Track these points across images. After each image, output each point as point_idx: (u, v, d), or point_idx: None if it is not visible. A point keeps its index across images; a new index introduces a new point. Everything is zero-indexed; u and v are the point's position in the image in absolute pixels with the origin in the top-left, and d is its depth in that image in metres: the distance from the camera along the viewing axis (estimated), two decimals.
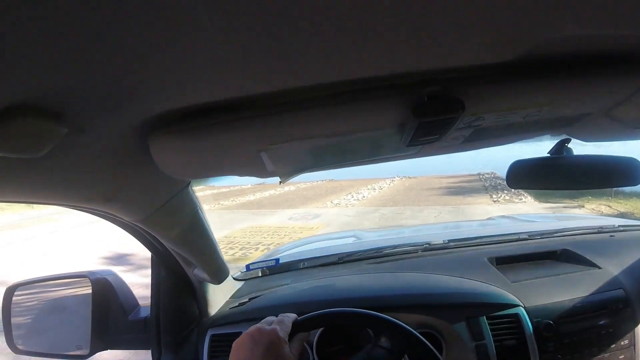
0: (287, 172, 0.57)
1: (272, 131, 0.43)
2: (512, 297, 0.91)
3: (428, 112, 0.41)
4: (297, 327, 0.65)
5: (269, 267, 1.14)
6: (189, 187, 0.70)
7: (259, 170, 0.57)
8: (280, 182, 0.61)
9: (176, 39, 0.24)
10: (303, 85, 0.36)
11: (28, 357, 1.04)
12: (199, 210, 0.75)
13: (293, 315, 0.67)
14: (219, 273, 0.85)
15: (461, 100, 0.41)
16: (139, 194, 0.60)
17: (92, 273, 0.94)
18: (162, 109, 0.38)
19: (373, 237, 1.68)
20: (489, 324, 0.88)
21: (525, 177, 0.91)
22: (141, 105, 0.36)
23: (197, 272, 0.87)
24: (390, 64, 0.34)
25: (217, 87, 0.34)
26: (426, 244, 1.20)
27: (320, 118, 0.43)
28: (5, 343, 0.99)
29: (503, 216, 2.36)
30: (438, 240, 1.22)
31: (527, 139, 0.75)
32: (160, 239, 0.74)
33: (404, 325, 0.71)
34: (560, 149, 0.93)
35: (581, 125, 0.68)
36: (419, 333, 0.68)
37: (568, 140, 0.91)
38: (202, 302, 0.96)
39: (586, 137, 0.87)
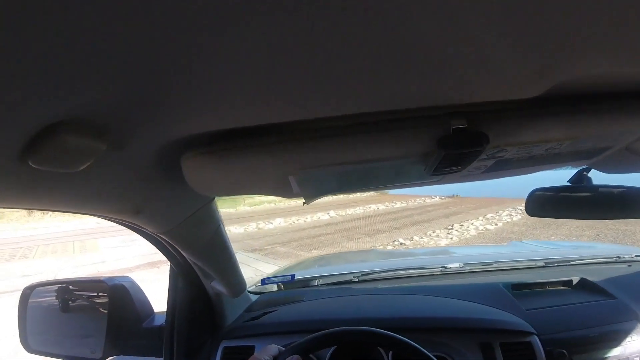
0: (311, 194, 0.58)
1: (301, 157, 0.44)
2: (526, 325, 0.91)
3: (453, 145, 0.42)
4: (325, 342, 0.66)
5: (284, 282, 1.14)
6: (213, 202, 0.72)
7: (284, 191, 0.58)
8: (304, 204, 0.62)
9: (214, 66, 0.25)
10: (334, 114, 0.37)
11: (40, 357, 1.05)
12: (221, 225, 0.76)
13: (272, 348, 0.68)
14: (236, 286, 0.86)
15: (485, 134, 0.42)
16: (165, 206, 0.61)
17: (110, 279, 0.96)
18: (196, 129, 0.39)
19: (389, 257, 1.67)
20: (502, 350, 0.87)
21: (544, 205, 0.91)
22: (177, 125, 0.37)
23: (214, 285, 0.87)
24: (418, 97, 0.35)
25: (250, 113, 0.36)
26: (442, 267, 1.20)
27: (350, 146, 0.44)
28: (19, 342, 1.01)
29: (520, 242, 2.34)
30: (454, 263, 1.21)
31: (547, 169, 0.76)
32: (182, 251, 0.75)
33: (421, 348, 0.72)
34: (580, 178, 0.93)
35: (601, 157, 0.68)
36: (434, 356, 0.68)
37: (588, 170, 0.91)
38: (216, 313, 0.96)
39: (606, 169, 0.87)
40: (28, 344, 1.02)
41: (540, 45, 0.26)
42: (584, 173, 0.92)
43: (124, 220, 0.64)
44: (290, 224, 11.12)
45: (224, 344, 0.94)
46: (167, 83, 0.26)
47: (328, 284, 1.18)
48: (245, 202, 16.31)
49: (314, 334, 0.75)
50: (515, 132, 0.44)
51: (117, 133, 0.34)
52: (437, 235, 8.04)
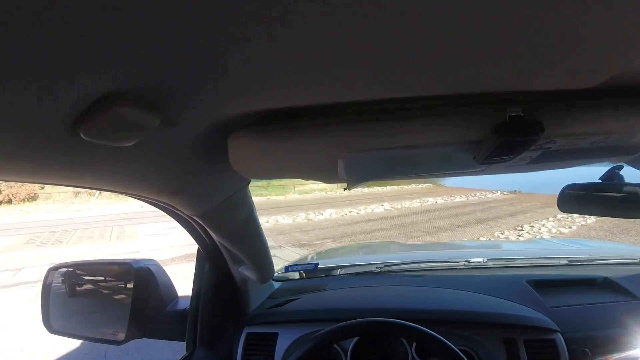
0: (356, 179, 0.58)
1: (353, 139, 0.44)
2: (550, 322, 0.90)
3: (510, 132, 0.42)
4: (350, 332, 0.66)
5: (307, 271, 1.14)
6: (247, 187, 0.72)
7: (329, 176, 0.57)
8: (344, 189, 0.62)
9: (268, 44, 0.24)
10: (386, 96, 0.37)
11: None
12: (254, 210, 0.76)
13: None
14: (266, 273, 0.86)
15: (541, 123, 0.41)
16: (203, 189, 0.61)
17: (135, 261, 0.96)
18: (245, 108, 0.39)
19: (411, 249, 1.67)
20: (526, 347, 0.87)
21: (575, 201, 0.91)
22: (227, 104, 0.37)
23: (242, 270, 0.88)
24: (475, 83, 0.35)
25: (302, 92, 0.35)
26: (465, 261, 1.19)
27: (402, 130, 0.43)
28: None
29: (543, 239, 2.33)
30: (478, 258, 1.21)
31: (587, 164, 0.75)
32: (214, 235, 0.75)
33: (445, 341, 0.72)
34: (612, 175, 0.92)
35: None
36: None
37: (620, 167, 0.90)
38: (241, 299, 0.97)
39: None
40: (50, 325, 1.02)
41: (600, 37, 0.26)
42: (616, 171, 0.91)
43: (160, 202, 0.64)
44: (342, 215, 10.30)
45: (247, 329, 0.95)
46: (220, 61, 0.26)
47: (351, 274, 1.18)
48: (296, 189, 15.96)
49: (339, 324, 0.75)
50: (569, 122, 0.44)
51: (169, 109, 0.33)
52: (507, 237, 7.28)
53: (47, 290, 1.03)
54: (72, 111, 0.28)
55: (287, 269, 1.12)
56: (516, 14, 0.22)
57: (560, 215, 8.84)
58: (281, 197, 14.50)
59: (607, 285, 1.08)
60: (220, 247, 0.83)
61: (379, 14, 0.21)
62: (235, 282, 0.94)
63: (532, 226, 8.21)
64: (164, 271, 0.98)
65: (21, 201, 14.98)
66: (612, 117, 0.45)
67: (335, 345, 0.87)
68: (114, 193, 0.61)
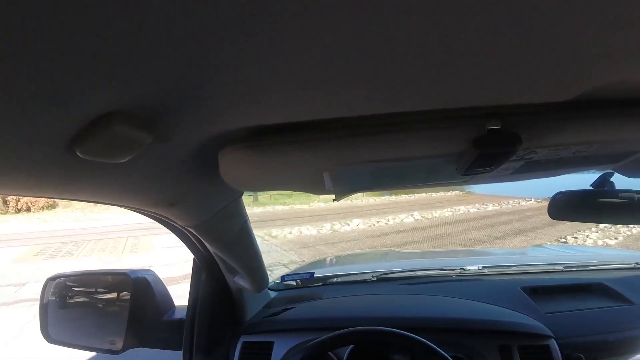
0: (343, 190, 0.59)
1: (339, 153, 0.45)
2: (544, 328, 0.91)
3: (487, 145, 0.43)
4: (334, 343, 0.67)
5: (303, 280, 1.15)
6: (241, 198, 0.73)
7: (317, 187, 0.59)
8: (333, 200, 0.63)
9: (259, 65, 0.25)
10: (372, 112, 0.38)
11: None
12: (247, 220, 0.77)
13: None
14: (260, 282, 0.87)
15: (519, 135, 0.42)
16: (197, 200, 0.62)
17: (132, 271, 0.97)
18: (236, 124, 0.40)
19: (407, 257, 1.67)
20: (520, 353, 0.87)
21: (567, 208, 0.91)
22: (218, 120, 0.38)
23: (237, 280, 0.88)
24: (456, 98, 0.36)
25: (291, 109, 0.36)
26: (460, 268, 1.20)
27: (387, 144, 0.45)
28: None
29: (537, 246, 2.33)
30: (473, 265, 1.21)
31: (573, 172, 0.77)
32: (209, 245, 0.76)
33: (437, 348, 0.72)
34: (604, 182, 0.93)
35: (628, 162, 0.69)
36: (451, 357, 0.68)
37: (611, 174, 0.91)
38: (237, 308, 0.97)
39: (631, 174, 0.87)
40: (49, 335, 1.03)
41: (579, 50, 0.27)
42: (607, 177, 0.92)
43: (157, 214, 0.65)
44: (370, 226, 9.58)
45: (244, 339, 0.95)
46: (212, 80, 0.27)
47: (347, 282, 1.19)
48: (320, 197, 15.14)
49: (333, 333, 0.76)
50: (548, 134, 0.45)
51: (163, 126, 0.34)
52: None
53: (45, 300, 1.03)
54: (69, 131, 0.30)
55: (283, 278, 1.13)
56: (496, 30, 0.23)
57: (603, 224, 7.98)
58: (305, 206, 13.84)
59: (602, 290, 1.09)
60: (215, 257, 0.84)
61: (365, 34, 0.22)
62: (231, 291, 0.94)
63: (575, 237, 7.53)
64: (160, 281, 0.99)
65: (40, 209, 14.72)
66: (592, 128, 0.46)
67: (330, 353, 0.88)
68: (111, 206, 0.62)
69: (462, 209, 12.32)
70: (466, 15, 0.21)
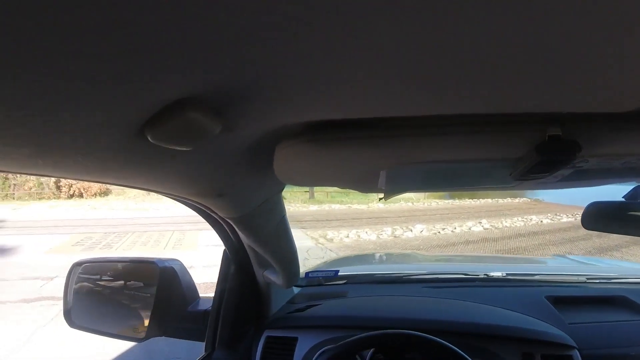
0: (395, 189, 0.59)
1: (400, 152, 0.45)
2: (568, 339, 0.90)
3: (550, 151, 0.43)
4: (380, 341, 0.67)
5: (327, 277, 1.15)
6: (281, 193, 0.73)
7: (367, 185, 0.59)
8: (380, 199, 0.63)
9: (335, 60, 0.26)
10: (438, 113, 0.38)
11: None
12: (285, 215, 0.77)
13: None
14: (291, 277, 0.87)
15: (578, 143, 0.42)
16: (244, 192, 0.63)
17: (160, 261, 0.97)
18: (299, 118, 0.41)
19: (431, 260, 1.67)
20: None
21: (600, 219, 0.91)
22: (283, 113, 0.39)
23: (267, 274, 0.89)
24: (518, 103, 0.36)
25: (358, 106, 0.37)
26: (485, 274, 1.19)
27: (449, 145, 0.45)
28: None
29: (560, 255, 2.31)
30: (497, 272, 1.21)
31: (617, 183, 0.76)
32: (245, 237, 0.77)
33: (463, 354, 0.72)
34: (636, 194, 0.92)
35: None
36: None
37: None
38: (263, 302, 0.98)
39: None
40: (71, 320, 1.04)
41: (637, 62, 0.27)
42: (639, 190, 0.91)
43: (199, 203, 0.66)
44: (435, 233, 8.77)
45: (267, 333, 0.95)
46: (286, 71, 0.27)
47: (371, 282, 1.19)
48: (378, 197, 14.68)
49: (359, 336, 0.76)
50: (605, 143, 0.45)
51: (231, 115, 0.35)
52: None
53: (69, 285, 1.04)
54: (143, 114, 0.30)
55: (307, 274, 1.13)
56: (568, 39, 0.23)
57: None
58: (363, 206, 13.16)
59: (625, 304, 1.08)
60: (248, 249, 0.84)
61: (438, 35, 0.23)
62: (259, 285, 0.95)
63: None
64: (187, 271, 1.00)
65: (92, 195, 14.58)
66: None
67: None
68: (157, 195, 0.63)
69: (534, 218, 11.29)
70: (541, 22, 0.21)
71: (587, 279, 1.19)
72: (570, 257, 2.27)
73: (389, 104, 0.36)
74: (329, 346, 0.82)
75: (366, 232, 8.65)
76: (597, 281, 1.19)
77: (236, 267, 0.92)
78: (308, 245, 7.07)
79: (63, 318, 1.02)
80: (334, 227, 9.35)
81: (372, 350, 0.88)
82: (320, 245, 7.40)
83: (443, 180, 0.57)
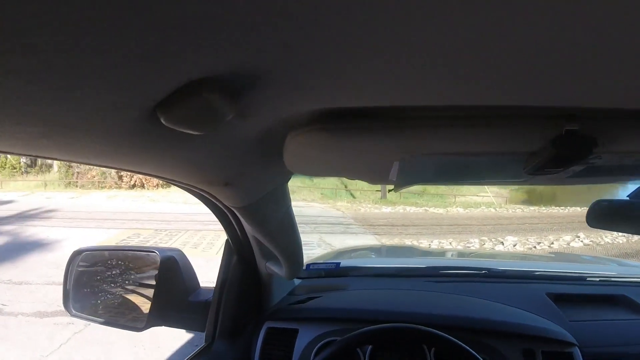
0: (405, 181, 0.59)
1: (415, 142, 0.45)
2: (569, 336, 0.90)
3: (566, 146, 0.42)
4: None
5: (328, 270, 1.15)
6: (287, 183, 0.72)
7: (378, 177, 0.58)
8: (389, 191, 0.63)
9: (357, 47, 0.25)
10: (455, 103, 0.38)
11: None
12: (291, 206, 0.77)
13: None
14: (295, 269, 0.87)
15: (595, 139, 0.42)
16: (251, 182, 0.62)
17: (161, 250, 0.97)
18: (314, 105, 0.40)
19: (432, 255, 1.68)
20: (543, 359, 0.87)
21: (604, 217, 0.91)
22: (299, 100, 0.38)
23: (269, 265, 0.88)
24: (538, 96, 0.36)
25: (377, 94, 0.36)
26: (486, 270, 1.20)
27: (464, 137, 0.44)
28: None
29: (563, 254, 2.33)
30: (498, 268, 1.21)
31: (624, 181, 0.76)
32: (250, 227, 0.76)
33: (468, 348, 0.72)
34: None
35: None
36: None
37: None
38: (264, 293, 0.97)
39: None
40: (70, 308, 1.03)
41: None
42: None
43: (205, 192, 0.65)
44: (530, 248, 7.41)
45: (268, 324, 0.95)
46: (307, 55, 0.27)
47: (373, 275, 1.19)
48: (456, 200, 13.04)
49: (362, 330, 0.76)
50: (620, 140, 0.45)
51: (246, 100, 0.34)
52: None
53: (69, 273, 1.03)
54: (157, 95, 0.29)
55: (308, 266, 1.13)
56: (587, 34, 0.23)
57: None
58: (441, 210, 11.74)
59: (625, 302, 1.08)
60: (251, 240, 0.84)
61: (458, 25, 0.22)
62: (261, 276, 0.94)
63: None
64: (188, 260, 0.99)
65: (154, 187, 13.98)
66: None
67: None
68: (162, 181, 0.62)
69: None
70: (565, 15, 0.21)
71: (589, 277, 1.20)
72: (574, 254, 2.28)
73: (405, 92, 0.35)
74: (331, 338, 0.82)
75: (449, 243, 7.44)
76: (598, 279, 1.20)
77: (238, 257, 0.91)
78: None
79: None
80: (412, 234, 8.17)
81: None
82: None
83: (455, 173, 0.56)
